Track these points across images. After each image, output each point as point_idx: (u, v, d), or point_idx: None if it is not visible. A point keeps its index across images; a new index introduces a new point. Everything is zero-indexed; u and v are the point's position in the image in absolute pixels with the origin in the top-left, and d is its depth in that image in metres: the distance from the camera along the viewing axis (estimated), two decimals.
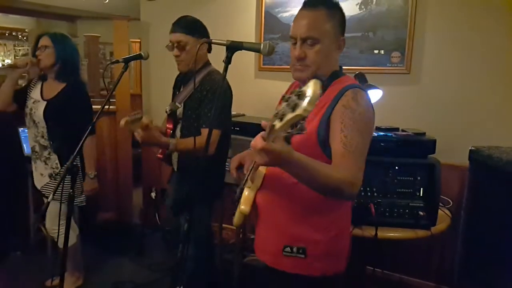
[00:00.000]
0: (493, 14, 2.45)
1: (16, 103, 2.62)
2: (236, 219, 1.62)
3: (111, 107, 3.65)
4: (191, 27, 2.19)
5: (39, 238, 3.34)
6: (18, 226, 3.33)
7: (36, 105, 2.52)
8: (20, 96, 2.61)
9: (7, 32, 7.82)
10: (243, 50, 1.55)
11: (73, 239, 2.66)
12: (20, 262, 3.21)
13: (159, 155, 2.38)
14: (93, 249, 3.13)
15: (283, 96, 0.96)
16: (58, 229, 2.50)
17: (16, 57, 7.72)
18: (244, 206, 1.50)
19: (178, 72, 2.40)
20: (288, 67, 3.09)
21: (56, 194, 2.34)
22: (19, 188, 3.26)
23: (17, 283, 2.93)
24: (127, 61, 2.06)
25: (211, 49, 2.31)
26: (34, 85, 2.64)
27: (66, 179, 1.84)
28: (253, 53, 3.21)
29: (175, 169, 2.35)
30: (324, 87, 1.40)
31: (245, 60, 3.25)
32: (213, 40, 1.57)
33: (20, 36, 7.81)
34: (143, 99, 3.96)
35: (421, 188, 2.08)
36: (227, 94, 2.23)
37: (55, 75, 2.55)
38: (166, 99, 2.59)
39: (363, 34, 2.79)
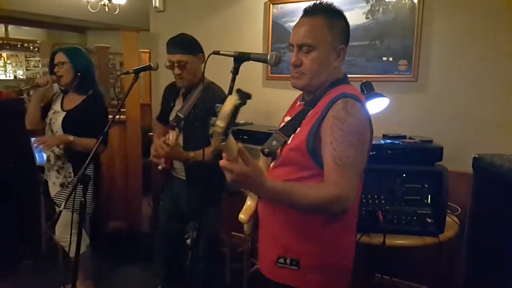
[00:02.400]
0: (499, 23, 2.46)
1: (44, 120, 2.69)
2: (245, 227, 1.64)
3: (121, 116, 3.71)
4: (189, 46, 2.30)
5: (50, 246, 3.38)
6: (30, 234, 3.37)
7: (56, 115, 2.60)
8: (46, 112, 2.68)
9: (19, 43, 7.96)
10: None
11: (83, 248, 2.67)
12: (32, 270, 3.24)
13: (165, 166, 2.44)
14: (103, 257, 3.15)
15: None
16: (70, 238, 2.53)
17: (28, 68, 7.84)
18: (243, 215, 1.51)
19: None
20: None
21: (67, 204, 2.41)
22: (30, 196, 3.31)
23: None
24: (137, 72, 2.13)
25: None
26: (56, 98, 2.72)
27: (78, 188, 1.89)
28: (260, 64, 3.29)
29: (184, 178, 2.41)
30: (319, 96, 1.40)
31: (252, 69, 3.29)
32: (221, 52, 1.61)
33: (31, 47, 7.94)
34: (152, 108, 4.02)
35: (429, 195, 2.08)
36: None
37: (75, 89, 2.62)
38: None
39: (370, 43, 2.82)
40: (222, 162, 1.08)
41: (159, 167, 2.51)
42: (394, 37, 2.77)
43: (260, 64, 3.29)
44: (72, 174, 2.57)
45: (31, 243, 3.39)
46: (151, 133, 4.01)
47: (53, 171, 2.61)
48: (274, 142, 1.42)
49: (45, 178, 2.73)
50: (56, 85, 2.75)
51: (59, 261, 3.25)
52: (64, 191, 2.56)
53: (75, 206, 2.38)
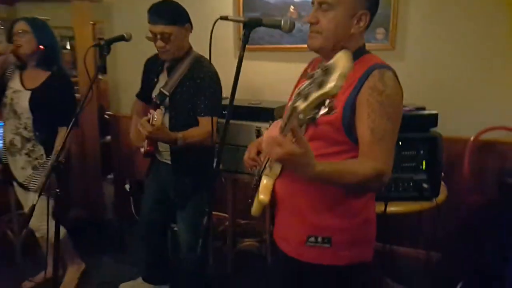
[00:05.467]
0: None
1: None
2: (255, 208, 1.54)
3: (76, 95, 3.40)
4: (174, 15, 2.06)
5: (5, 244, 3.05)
6: None
7: (18, 95, 2.34)
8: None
9: None
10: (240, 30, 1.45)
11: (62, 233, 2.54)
12: None
13: (148, 148, 2.24)
14: None
15: (307, 73, 0.88)
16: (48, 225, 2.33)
17: None
18: (263, 195, 1.41)
19: (147, 57, 2.35)
20: (272, 47, 3.03)
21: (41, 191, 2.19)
22: None
23: None
24: (109, 43, 1.93)
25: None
26: (10, 74, 2.42)
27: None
28: (232, 31, 3.12)
29: (170, 162, 2.24)
30: None
31: (224, 39, 3.12)
32: (229, 17, 1.46)
33: None
34: (109, 85, 3.72)
35: (424, 161, 2.12)
36: (219, 80, 2.19)
37: (36, 63, 2.37)
38: (135, 85, 2.45)
39: None
40: (274, 134, 0.96)
41: (141, 150, 2.31)
42: None
43: (231, 33, 3.13)
44: (44, 156, 2.37)
45: None
46: (109, 112, 3.74)
47: (22, 155, 2.38)
48: (301, 116, 1.33)
49: (5, 162, 2.49)
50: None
51: (16, 259, 2.95)
52: (38, 174, 2.35)
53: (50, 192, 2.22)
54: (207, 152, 2.25)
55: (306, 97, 0.85)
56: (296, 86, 1.57)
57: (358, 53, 1.33)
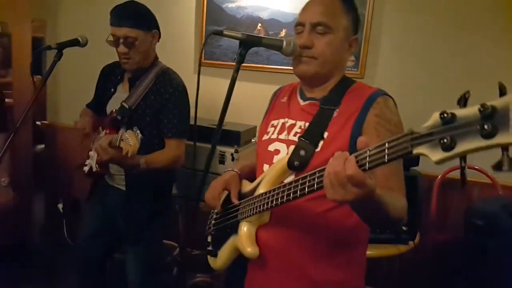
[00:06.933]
0: (449, 25, 2.47)
1: None
2: (223, 261, 1.31)
3: (6, 100, 2.96)
4: (139, 18, 1.82)
5: None
6: None
7: None
8: None
9: None
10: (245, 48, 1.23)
11: None
12: None
13: (99, 170, 1.92)
14: None
15: (441, 114, 0.69)
16: None
17: None
18: (250, 248, 1.18)
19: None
20: (234, 63, 2.81)
21: None
22: None
23: None
24: (62, 47, 1.73)
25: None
26: None
27: None
28: (192, 44, 2.88)
29: (123, 189, 1.93)
30: (339, 93, 1.21)
31: (183, 52, 2.87)
32: (225, 32, 1.24)
33: None
34: (47, 91, 3.29)
35: None
36: (188, 97, 1.94)
37: None
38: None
39: None
40: (343, 172, 0.81)
41: (85, 168, 1.98)
42: None
43: (191, 46, 2.89)
44: None
45: None
46: (45, 122, 3.33)
47: None
48: (302, 152, 1.15)
49: None
50: None
51: None
52: None
53: None
54: (167, 177, 2.00)
55: (450, 147, 0.66)
56: (268, 117, 1.41)
57: (349, 81, 1.26)
